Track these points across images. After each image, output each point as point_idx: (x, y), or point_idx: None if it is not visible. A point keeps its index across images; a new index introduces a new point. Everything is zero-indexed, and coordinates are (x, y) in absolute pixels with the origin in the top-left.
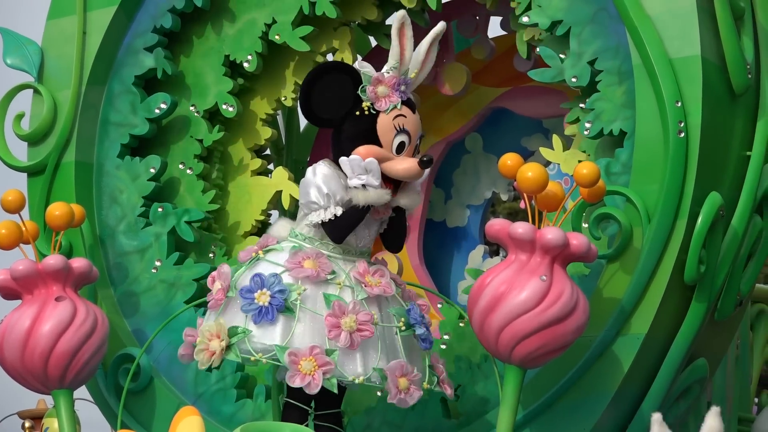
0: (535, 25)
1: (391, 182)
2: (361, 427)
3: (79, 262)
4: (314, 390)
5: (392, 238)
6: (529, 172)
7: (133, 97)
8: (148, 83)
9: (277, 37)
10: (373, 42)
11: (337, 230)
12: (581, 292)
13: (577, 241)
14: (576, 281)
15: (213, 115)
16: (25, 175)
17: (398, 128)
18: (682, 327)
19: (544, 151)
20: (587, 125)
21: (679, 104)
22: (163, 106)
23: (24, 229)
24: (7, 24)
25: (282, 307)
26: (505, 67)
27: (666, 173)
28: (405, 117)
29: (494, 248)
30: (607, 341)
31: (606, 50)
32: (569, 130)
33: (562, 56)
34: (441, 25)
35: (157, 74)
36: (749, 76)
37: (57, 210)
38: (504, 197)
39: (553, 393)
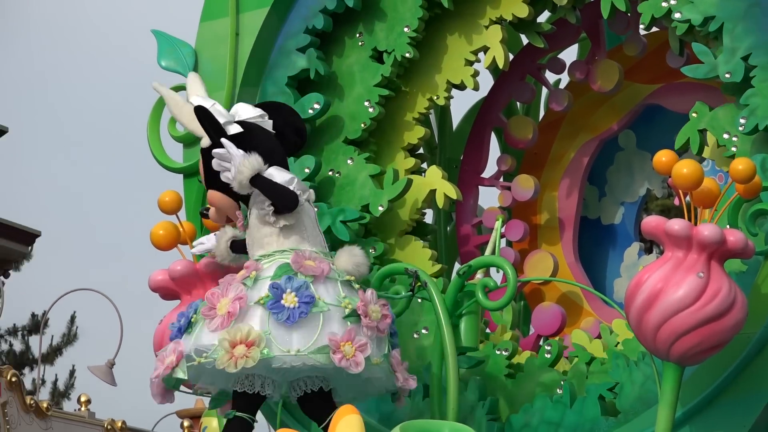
0: (688, 21)
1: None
2: (519, 425)
3: None
4: None
5: None
6: (685, 168)
7: (287, 97)
8: (301, 84)
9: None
10: (525, 40)
11: None
12: (739, 288)
13: (734, 237)
14: (733, 278)
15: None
16: (182, 176)
17: None
18: None
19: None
20: (742, 121)
21: None
22: (316, 106)
23: (181, 229)
24: (161, 26)
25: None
26: (657, 64)
27: None
28: None
29: (648, 245)
30: (766, 338)
31: (760, 46)
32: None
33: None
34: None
35: (310, 75)
36: None
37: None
38: (658, 194)
39: (712, 390)
